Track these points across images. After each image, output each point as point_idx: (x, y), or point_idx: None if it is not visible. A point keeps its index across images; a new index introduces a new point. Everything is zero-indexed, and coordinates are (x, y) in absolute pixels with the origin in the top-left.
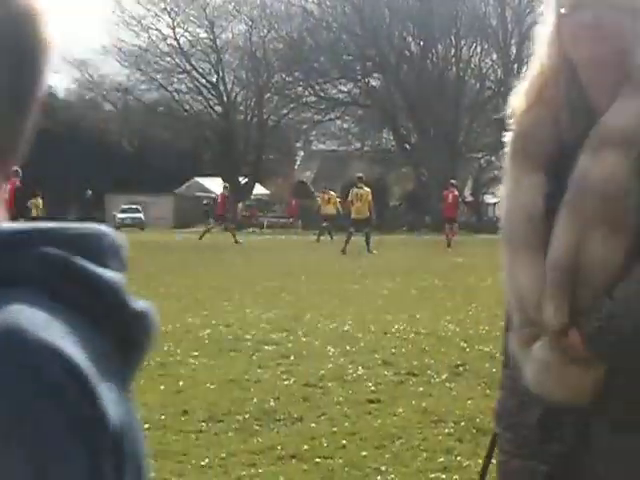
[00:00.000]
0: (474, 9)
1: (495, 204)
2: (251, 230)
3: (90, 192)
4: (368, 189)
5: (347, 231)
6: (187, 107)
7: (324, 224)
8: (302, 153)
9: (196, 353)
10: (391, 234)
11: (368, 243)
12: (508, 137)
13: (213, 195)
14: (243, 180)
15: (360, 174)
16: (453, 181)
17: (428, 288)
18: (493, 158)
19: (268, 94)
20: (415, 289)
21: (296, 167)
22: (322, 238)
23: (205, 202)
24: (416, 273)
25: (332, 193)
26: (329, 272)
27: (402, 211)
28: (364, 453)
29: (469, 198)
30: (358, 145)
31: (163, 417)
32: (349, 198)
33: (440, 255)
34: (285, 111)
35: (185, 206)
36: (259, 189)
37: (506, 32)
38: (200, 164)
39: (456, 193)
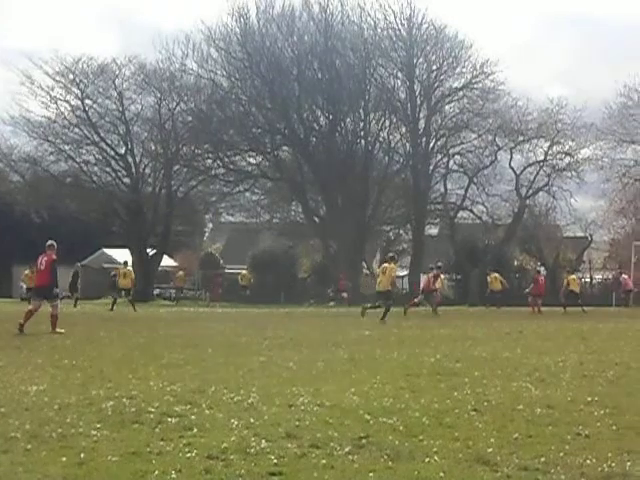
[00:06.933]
0: (382, 83)
1: (404, 277)
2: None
3: None
4: (394, 265)
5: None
6: (95, 178)
7: (123, 295)
8: (210, 225)
9: (98, 425)
10: (299, 306)
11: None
12: None
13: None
14: (151, 252)
15: (392, 253)
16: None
17: (334, 360)
18: (401, 231)
19: (177, 166)
20: (321, 361)
21: (205, 239)
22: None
23: (112, 274)
24: (323, 345)
25: (129, 269)
26: (236, 344)
27: (310, 283)
28: None
29: (377, 270)
30: (267, 217)
31: None
32: (377, 271)
33: (348, 327)
34: (194, 183)
35: (92, 278)
36: (167, 261)
37: (414, 106)
38: (108, 235)
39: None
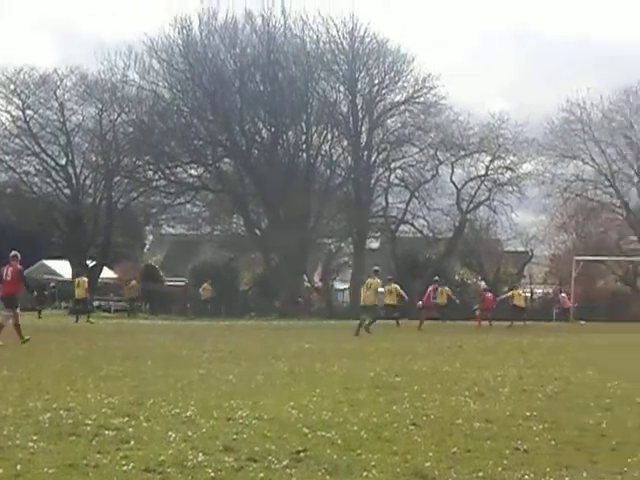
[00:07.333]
0: (325, 96)
1: (344, 290)
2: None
3: None
4: (379, 280)
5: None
6: (36, 189)
7: (77, 306)
8: (151, 237)
9: (35, 437)
10: (240, 319)
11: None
12: None
13: (60, 278)
14: (91, 263)
15: (377, 267)
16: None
17: (274, 373)
18: (342, 244)
19: (117, 177)
20: (261, 374)
21: (145, 250)
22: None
23: (52, 285)
24: (263, 358)
25: (84, 279)
26: (175, 357)
27: (252, 296)
28: None
29: (318, 283)
30: (208, 229)
31: None
32: (364, 286)
33: (289, 340)
34: (135, 194)
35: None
36: (107, 272)
37: (356, 119)
38: (48, 246)
39: None
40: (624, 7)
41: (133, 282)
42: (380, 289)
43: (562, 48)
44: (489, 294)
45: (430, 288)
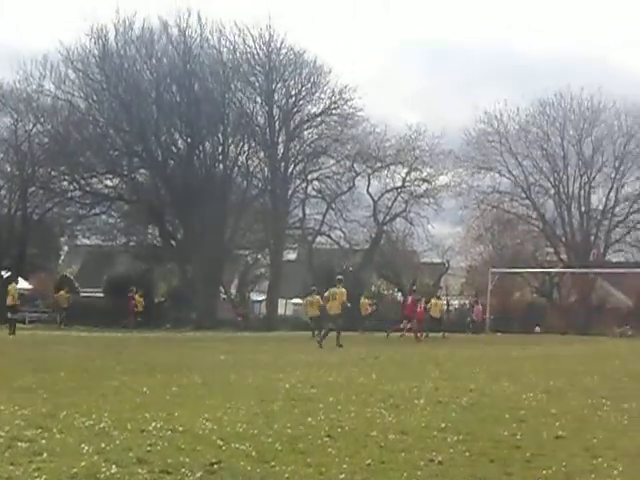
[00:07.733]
0: (241, 107)
1: (261, 301)
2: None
3: None
4: (343, 289)
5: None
6: None
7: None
8: (66, 248)
9: None
10: (156, 330)
11: (338, 337)
12: None
13: None
14: (5, 274)
15: (340, 276)
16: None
17: (188, 385)
18: (259, 256)
19: (33, 188)
20: (176, 386)
21: (60, 261)
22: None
23: None
24: (177, 370)
25: (12, 285)
26: (89, 368)
27: (167, 307)
28: None
29: (235, 295)
30: (123, 240)
31: None
32: (326, 295)
33: (204, 352)
34: (50, 205)
35: None
36: (22, 283)
37: (273, 131)
38: None
39: None
40: (540, 20)
41: (62, 292)
42: (300, 300)
43: (479, 59)
44: (420, 306)
45: (409, 300)
